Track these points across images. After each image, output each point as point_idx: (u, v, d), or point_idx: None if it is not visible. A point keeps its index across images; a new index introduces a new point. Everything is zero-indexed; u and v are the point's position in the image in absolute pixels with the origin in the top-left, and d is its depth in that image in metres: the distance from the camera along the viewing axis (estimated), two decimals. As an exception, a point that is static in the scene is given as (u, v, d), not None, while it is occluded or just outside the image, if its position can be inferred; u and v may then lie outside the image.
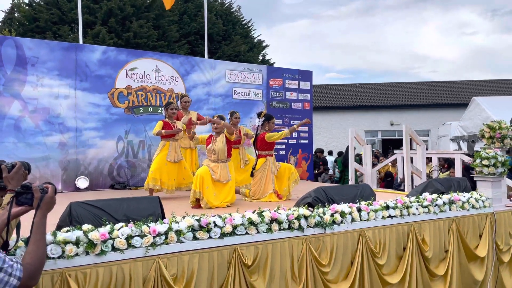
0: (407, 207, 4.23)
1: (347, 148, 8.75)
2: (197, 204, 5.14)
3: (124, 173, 7.47)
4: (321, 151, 12.95)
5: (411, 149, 8.03)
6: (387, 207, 4.10)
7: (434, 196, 4.56)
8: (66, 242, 2.53)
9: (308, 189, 6.39)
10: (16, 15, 17.98)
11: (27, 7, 16.84)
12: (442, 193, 4.72)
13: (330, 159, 13.48)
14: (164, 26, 17.18)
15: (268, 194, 5.73)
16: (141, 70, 7.67)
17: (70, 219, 2.74)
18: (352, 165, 7.59)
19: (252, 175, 5.83)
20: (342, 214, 3.75)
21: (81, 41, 7.69)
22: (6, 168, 2.16)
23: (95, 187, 7.14)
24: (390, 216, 4.08)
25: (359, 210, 3.91)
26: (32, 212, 1.92)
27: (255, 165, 5.87)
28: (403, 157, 7.94)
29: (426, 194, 4.55)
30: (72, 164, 7.00)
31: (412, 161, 7.58)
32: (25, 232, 2.04)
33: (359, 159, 9.66)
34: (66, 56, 6.97)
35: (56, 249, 2.49)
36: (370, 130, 21.91)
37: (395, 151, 9.34)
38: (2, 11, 18.34)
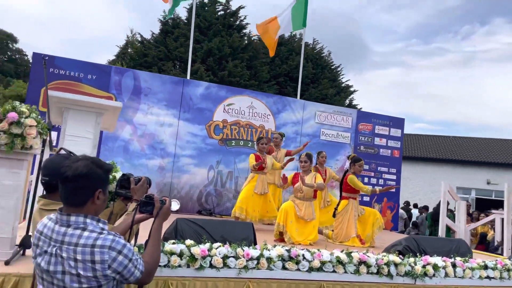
0: (508, 270, 3.90)
1: (439, 202, 8.26)
2: (280, 237, 5.24)
3: (211, 201, 7.87)
4: (407, 203, 12.38)
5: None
6: (486, 267, 3.82)
7: (541, 262, 4.14)
8: (171, 253, 2.79)
9: (392, 240, 6.15)
10: (129, 50, 20.34)
11: (139, 44, 18.99)
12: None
13: (415, 213, 12.77)
14: (256, 66, 18.17)
15: (351, 238, 5.62)
16: (237, 106, 8.21)
17: (176, 233, 3.02)
18: (443, 220, 7.12)
19: (334, 215, 5.80)
20: (435, 267, 3.59)
21: (188, 77, 8.50)
22: (134, 180, 2.49)
23: (184, 211, 7.59)
24: (488, 277, 3.79)
25: (454, 265, 3.70)
26: (147, 222, 2.15)
27: (337, 206, 5.85)
28: (502, 219, 7.28)
29: (531, 259, 4.15)
30: (167, 187, 7.58)
31: (513, 224, 6.90)
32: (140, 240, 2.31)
33: (452, 215, 9.03)
34: (175, 89, 7.76)
35: (163, 258, 2.75)
36: (463, 187, 20.33)
37: (492, 211, 8.59)
38: (118, 46, 20.92)
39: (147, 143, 7.54)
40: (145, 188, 2.52)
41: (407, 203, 13.13)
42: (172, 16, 17.81)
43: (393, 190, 6.00)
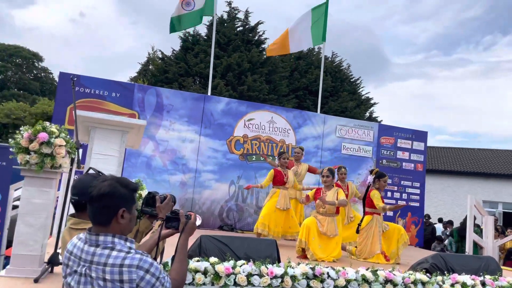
0: (543, 290, 3.74)
1: (465, 218, 8.04)
2: (303, 254, 5.18)
3: (233, 216, 7.87)
4: (428, 216, 12.06)
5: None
6: (518, 286, 3.68)
7: None
8: (196, 271, 2.80)
9: (417, 256, 6.01)
10: (150, 67, 20.80)
11: (160, 61, 19.39)
12: None
13: (439, 228, 12.43)
14: (275, 81, 18.26)
15: (375, 254, 5.52)
16: (257, 121, 8.26)
17: (200, 250, 3.03)
18: (470, 236, 6.91)
19: (357, 231, 5.71)
20: (464, 286, 3.48)
21: (209, 93, 8.62)
22: (159, 198, 2.52)
23: (206, 226, 7.62)
24: (521, 297, 3.65)
25: (483, 284, 3.59)
26: (173, 239, 2.15)
27: (361, 222, 5.76)
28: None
29: None
30: (188, 202, 7.63)
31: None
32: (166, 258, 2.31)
33: (479, 230, 8.76)
34: (196, 105, 7.87)
35: (187, 276, 2.76)
36: (489, 200, 19.74)
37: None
38: (140, 63, 21.52)
39: (169, 159, 7.63)
40: (170, 206, 2.54)
41: (427, 217, 12.78)
42: (192, 32, 18.14)
43: (402, 206, 6.16)
